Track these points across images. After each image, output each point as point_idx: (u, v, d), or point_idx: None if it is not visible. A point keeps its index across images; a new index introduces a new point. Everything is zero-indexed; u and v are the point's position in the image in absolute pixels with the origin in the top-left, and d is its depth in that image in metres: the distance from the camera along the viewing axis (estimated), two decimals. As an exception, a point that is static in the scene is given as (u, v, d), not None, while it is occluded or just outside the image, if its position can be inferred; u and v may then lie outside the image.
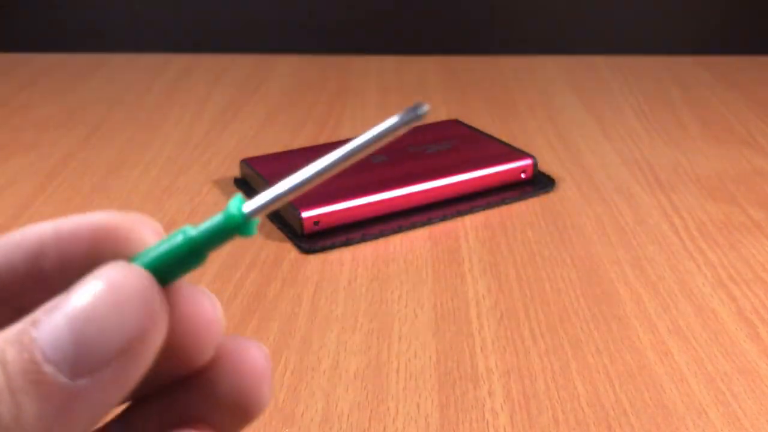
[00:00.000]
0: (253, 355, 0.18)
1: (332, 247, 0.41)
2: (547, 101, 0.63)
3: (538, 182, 0.48)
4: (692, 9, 0.76)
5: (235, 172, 0.50)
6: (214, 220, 0.16)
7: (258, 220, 0.16)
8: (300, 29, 0.78)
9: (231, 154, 0.53)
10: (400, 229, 0.42)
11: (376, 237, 0.42)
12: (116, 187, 0.48)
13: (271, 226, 0.43)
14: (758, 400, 0.30)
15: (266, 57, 0.75)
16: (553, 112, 0.61)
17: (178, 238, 0.16)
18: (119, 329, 0.15)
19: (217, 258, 0.40)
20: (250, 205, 0.16)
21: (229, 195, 0.47)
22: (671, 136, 0.57)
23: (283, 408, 0.29)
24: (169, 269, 0.16)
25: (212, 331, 0.17)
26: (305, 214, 0.41)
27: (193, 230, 0.16)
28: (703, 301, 0.36)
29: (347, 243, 0.41)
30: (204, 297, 0.17)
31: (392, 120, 0.15)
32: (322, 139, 0.55)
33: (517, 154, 0.48)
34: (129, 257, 0.16)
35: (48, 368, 0.14)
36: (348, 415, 0.29)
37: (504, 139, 0.55)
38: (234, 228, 0.16)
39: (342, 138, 0.55)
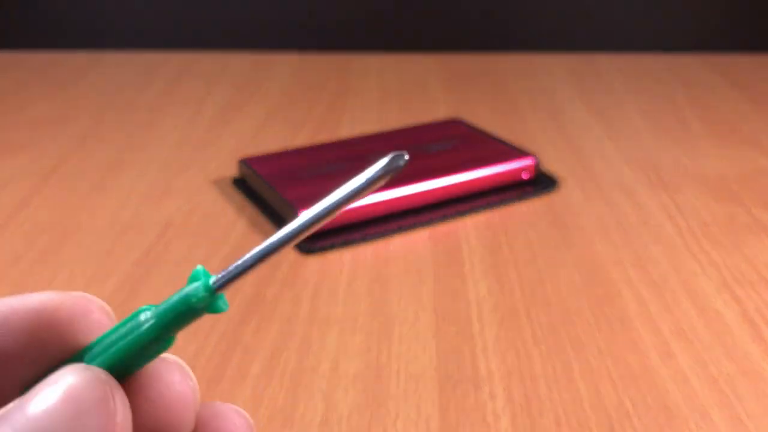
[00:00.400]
0: (235, 424, 0.16)
1: (331, 247, 0.40)
2: (549, 100, 0.63)
3: (540, 182, 0.47)
4: (696, 7, 0.76)
5: (234, 172, 0.50)
6: (177, 300, 0.14)
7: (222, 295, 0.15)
8: (300, 27, 0.77)
9: (230, 154, 0.52)
10: (400, 230, 0.42)
11: (375, 237, 0.41)
12: (113, 188, 0.48)
13: (269, 228, 0.43)
14: (762, 401, 0.30)
15: (266, 56, 0.75)
16: (556, 111, 0.61)
17: (141, 327, 0.15)
18: None
19: (214, 260, 0.39)
20: (217, 279, 0.14)
21: (227, 195, 0.47)
22: (675, 135, 0.56)
23: (283, 410, 0.29)
24: (133, 360, 0.15)
25: (187, 407, 0.16)
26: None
27: (154, 314, 0.15)
28: (707, 303, 0.36)
29: (347, 243, 0.41)
30: (173, 371, 0.16)
31: (372, 171, 0.14)
32: (321, 139, 0.55)
33: (519, 153, 0.47)
34: (86, 347, 0.15)
35: None
36: (347, 418, 0.29)
37: (506, 138, 0.55)
38: (202, 308, 0.14)
39: (342, 137, 0.54)
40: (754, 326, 0.34)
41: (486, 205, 0.45)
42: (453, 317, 0.35)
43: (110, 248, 0.41)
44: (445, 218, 0.43)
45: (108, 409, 0.13)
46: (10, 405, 0.13)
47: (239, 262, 0.15)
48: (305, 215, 0.14)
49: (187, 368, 0.16)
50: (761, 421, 0.29)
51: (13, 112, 0.61)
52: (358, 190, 0.14)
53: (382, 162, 0.14)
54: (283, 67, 0.71)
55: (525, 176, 0.47)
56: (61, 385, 0.13)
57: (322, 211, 0.14)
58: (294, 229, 0.14)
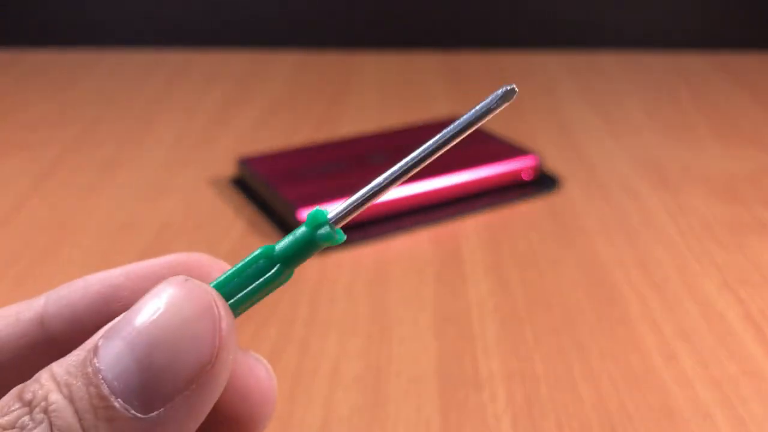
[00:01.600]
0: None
1: (331, 248, 0.40)
2: (551, 98, 0.63)
3: (542, 182, 0.47)
4: (700, 5, 0.75)
5: (233, 171, 0.49)
6: (302, 239, 0.16)
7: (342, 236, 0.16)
8: (299, 25, 0.77)
9: (228, 153, 0.52)
10: (400, 230, 0.42)
11: (375, 238, 0.41)
12: (111, 187, 0.48)
13: (269, 228, 0.42)
14: (764, 403, 0.29)
15: (264, 53, 0.74)
16: (558, 110, 0.61)
17: (268, 270, 0.16)
18: (187, 354, 0.14)
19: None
20: (333, 213, 0.16)
21: (226, 195, 0.47)
22: (678, 135, 0.56)
23: (282, 413, 0.29)
24: (256, 299, 0.16)
25: (269, 401, 0.17)
26: (303, 214, 0.40)
27: (280, 256, 0.16)
28: (709, 304, 0.36)
29: (346, 244, 0.40)
30: (261, 368, 0.17)
31: (484, 103, 0.15)
32: (321, 137, 0.55)
33: (521, 152, 0.47)
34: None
35: (117, 403, 0.13)
36: (348, 420, 0.29)
37: (507, 136, 0.54)
38: (325, 242, 0.16)
39: (342, 136, 0.54)
40: (756, 327, 0.34)
41: (487, 205, 0.44)
42: (453, 318, 0.35)
43: (108, 248, 0.41)
44: (446, 218, 0.43)
45: (213, 315, 0.14)
46: (118, 319, 0.14)
47: (353, 198, 0.15)
48: (419, 148, 0.15)
49: (270, 368, 0.17)
50: (763, 422, 0.28)
51: (11, 111, 0.61)
52: (470, 121, 0.15)
53: (495, 94, 0.15)
54: (282, 65, 0.71)
55: (526, 176, 0.46)
56: (164, 296, 0.14)
57: (436, 142, 0.15)
58: (407, 163, 0.15)
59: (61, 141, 0.54)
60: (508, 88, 0.15)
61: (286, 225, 0.42)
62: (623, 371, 0.31)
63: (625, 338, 0.33)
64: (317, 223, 0.15)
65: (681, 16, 0.76)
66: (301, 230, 0.16)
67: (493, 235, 0.42)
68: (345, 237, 0.16)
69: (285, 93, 0.64)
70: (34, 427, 0.13)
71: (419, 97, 0.63)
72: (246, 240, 0.41)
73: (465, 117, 0.15)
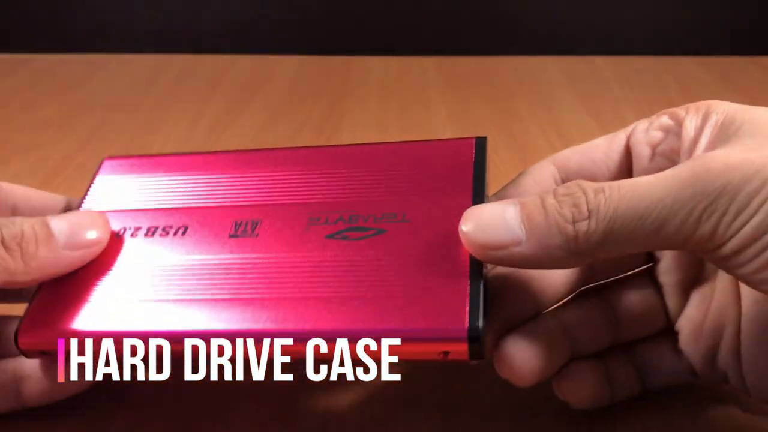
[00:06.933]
0: None
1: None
2: (547, 102, 0.64)
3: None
4: (692, 9, 0.76)
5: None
6: None
7: None
8: (300, 30, 0.78)
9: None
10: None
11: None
12: (118, 188, 0.48)
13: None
14: (755, 399, 0.30)
15: (266, 58, 0.75)
16: (554, 113, 0.61)
17: None
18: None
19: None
20: None
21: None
22: (670, 136, 0.57)
23: (285, 408, 0.30)
24: None
25: None
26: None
27: None
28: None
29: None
30: None
31: None
32: (322, 141, 0.56)
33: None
34: None
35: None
36: (348, 415, 0.29)
37: (503, 140, 0.55)
38: None
39: (342, 140, 0.55)
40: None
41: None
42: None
43: (115, 248, 0.41)
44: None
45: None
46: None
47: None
48: None
49: None
50: (754, 417, 0.29)
51: (20, 113, 0.61)
52: None
53: None
54: (283, 69, 0.72)
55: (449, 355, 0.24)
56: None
57: None
58: None
59: (69, 143, 0.55)
60: None
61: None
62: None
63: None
64: None
65: (674, 21, 0.77)
66: None
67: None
68: None
69: (286, 96, 0.65)
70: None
71: (418, 102, 0.64)
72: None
73: None
